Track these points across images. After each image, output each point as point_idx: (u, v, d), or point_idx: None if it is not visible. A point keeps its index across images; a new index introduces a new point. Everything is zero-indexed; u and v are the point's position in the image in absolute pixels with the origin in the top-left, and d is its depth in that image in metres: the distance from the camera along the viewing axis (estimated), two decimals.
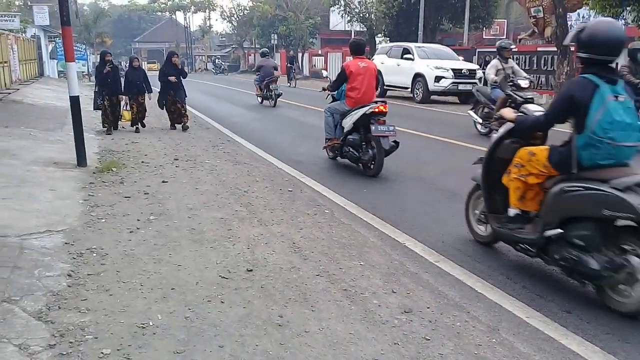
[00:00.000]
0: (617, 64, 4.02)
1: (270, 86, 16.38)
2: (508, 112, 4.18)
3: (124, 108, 10.72)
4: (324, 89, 7.48)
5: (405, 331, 3.13)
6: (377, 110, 6.97)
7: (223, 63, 52.47)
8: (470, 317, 3.33)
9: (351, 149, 7.30)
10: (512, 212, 4.04)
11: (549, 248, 3.71)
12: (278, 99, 16.52)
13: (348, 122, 7.22)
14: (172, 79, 10.91)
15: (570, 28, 20.03)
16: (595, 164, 3.47)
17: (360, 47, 7.59)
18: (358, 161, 7.25)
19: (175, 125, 11.35)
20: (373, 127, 6.90)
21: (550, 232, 3.64)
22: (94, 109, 10.86)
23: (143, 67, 11.59)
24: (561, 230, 3.58)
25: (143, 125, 11.09)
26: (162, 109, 11.45)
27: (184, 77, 11.37)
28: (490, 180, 4.32)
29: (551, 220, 3.66)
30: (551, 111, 3.74)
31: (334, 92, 7.63)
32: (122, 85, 10.68)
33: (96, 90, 10.62)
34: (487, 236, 4.56)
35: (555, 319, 3.34)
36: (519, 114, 4.23)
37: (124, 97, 10.64)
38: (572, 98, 3.48)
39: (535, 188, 3.90)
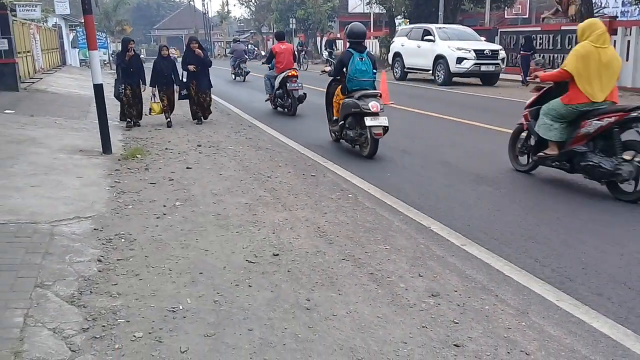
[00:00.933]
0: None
1: (241, 65, 21.15)
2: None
3: (153, 100, 9.85)
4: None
5: (433, 315, 3.13)
6: (290, 74, 11.17)
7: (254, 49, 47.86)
8: (498, 301, 3.31)
9: (279, 100, 11.74)
10: (334, 118, 8.15)
11: (344, 130, 7.68)
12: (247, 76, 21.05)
13: (276, 82, 11.58)
14: (192, 68, 9.89)
15: (595, 6, 19.59)
16: (352, 89, 7.37)
17: (281, 35, 12.30)
18: (282, 107, 11.81)
19: (199, 118, 10.29)
20: (288, 84, 11.19)
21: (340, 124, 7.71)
22: (115, 96, 9.79)
23: (173, 56, 10.51)
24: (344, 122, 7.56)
25: (170, 125, 9.90)
26: (181, 99, 10.31)
27: (209, 66, 10.31)
28: (329, 104, 8.46)
29: (342, 118, 7.54)
30: (334, 68, 7.91)
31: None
32: (150, 76, 9.78)
33: (117, 78, 9.81)
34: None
35: (585, 302, 3.30)
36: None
37: (152, 88, 9.87)
38: (342, 60, 7.52)
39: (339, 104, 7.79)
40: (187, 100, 10.30)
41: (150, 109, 9.85)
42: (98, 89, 7.19)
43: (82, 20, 8.71)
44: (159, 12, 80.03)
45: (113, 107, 8.08)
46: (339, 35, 29.47)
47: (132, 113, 9.73)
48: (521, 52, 17.17)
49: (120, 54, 9.73)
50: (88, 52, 8.32)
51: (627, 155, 5.14)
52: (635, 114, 5.05)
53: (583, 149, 5.38)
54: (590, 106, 5.33)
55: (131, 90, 9.56)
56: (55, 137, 8.21)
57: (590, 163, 5.27)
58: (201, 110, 10.26)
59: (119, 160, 6.91)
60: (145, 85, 9.77)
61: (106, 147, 7.26)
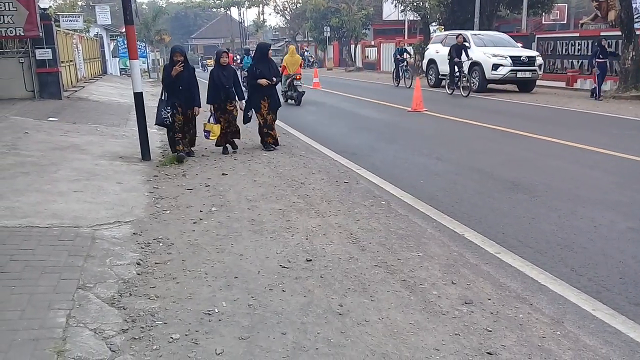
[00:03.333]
0: None
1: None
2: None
3: (210, 121, 7.84)
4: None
5: (466, 322, 3.12)
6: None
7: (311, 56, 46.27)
8: (533, 309, 3.28)
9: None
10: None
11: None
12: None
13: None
14: (263, 82, 8.01)
15: (636, 11, 19.10)
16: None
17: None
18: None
19: (266, 143, 8.34)
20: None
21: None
22: (156, 124, 7.63)
23: (233, 65, 8.66)
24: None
25: (234, 147, 8.22)
26: (248, 122, 8.46)
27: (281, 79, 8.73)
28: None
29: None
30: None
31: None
32: (206, 91, 7.88)
33: (162, 98, 7.45)
34: None
35: (622, 312, 3.25)
36: None
37: (209, 106, 7.94)
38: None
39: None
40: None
41: (207, 132, 7.86)
42: (138, 97, 7.40)
43: (123, 30, 8.97)
44: (196, 22, 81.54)
45: (152, 115, 7.91)
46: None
47: (183, 142, 7.57)
48: (597, 59, 14.61)
49: (167, 67, 7.48)
50: (129, 61, 8.57)
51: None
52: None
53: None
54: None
55: (182, 114, 7.45)
56: (96, 143, 8.46)
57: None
58: (265, 133, 8.36)
59: (157, 166, 7.09)
60: (199, 107, 7.62)
61: (145, 154, 7.46)
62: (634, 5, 17.39)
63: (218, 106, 7.87)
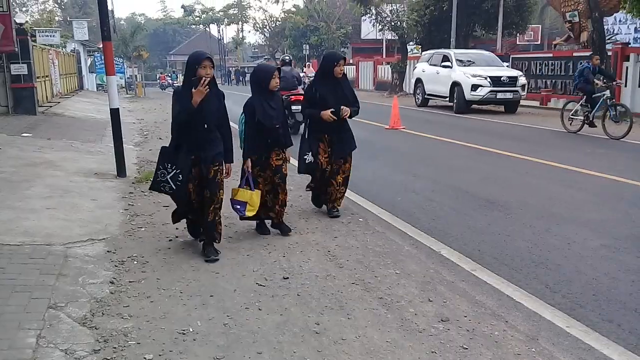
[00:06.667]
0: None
1: (292, 107, 11.14)
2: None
3: (242, 185, 4.75)
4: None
5: (443, 340, 3.13)
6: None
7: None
8: (508, 326, 3.30)
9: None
10: None
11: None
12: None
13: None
14: (327, 115, 5.24)
15: (607, 32, 19.66)
16: None
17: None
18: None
19: (325, 205, 5.71)
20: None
21: None
22: (151, 188, 4.50)
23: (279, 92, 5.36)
24: None
25: (285, 230, 4.99)
26: (305, 172, 5.58)
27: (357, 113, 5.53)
28: None
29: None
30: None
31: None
32: (242, 134, 4.86)
33: (168, 148, 4.39)
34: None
35: (596, 329, 3.28)
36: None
37: (246, 160, 4.75)
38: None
39: None
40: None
41: (241, 205, 4.68)
42: (114, 113, 7.33)
43: (100, 46, 8.86)
44: (174, 38, 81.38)
45: (128, 131, 7.58)
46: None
47: (186, 215, 4.65)
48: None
49: (182, 92, 4.24)
50: (106, 77, 8.51)
51: None
52: None
53: None
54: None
55: (197, 168, 4.32)
56: (71, 160, 8.35)
57: None
58: (332, 191, 5.53)
59: (133, 183, 7.00)
60: (232, 162, 4.53)
61: (121, 170, 7.37)
62: (605, 27, 17.89)
63: (257, 160, 4.82)
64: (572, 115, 12.26)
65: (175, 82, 42.14)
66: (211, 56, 4.31)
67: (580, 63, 13.56)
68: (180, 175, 4.21)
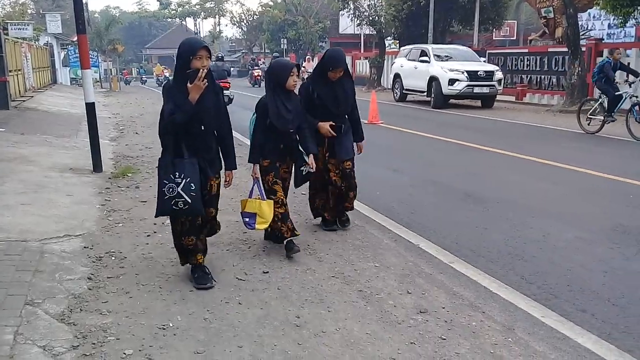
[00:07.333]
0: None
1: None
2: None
3: (252, 195, 4.28)
4: None
5: (422, 331, 3.17)
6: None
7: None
8: (485, 317, 3.36)
9: None
10: None
11: None
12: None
13: None
14: (324, 128, 4.63)
15: (581, 28, 19.96)
16: None
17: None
18: None
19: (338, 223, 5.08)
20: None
21: None
22: (159, 214, 3.72)
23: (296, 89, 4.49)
24: None
25: (290, 249, 4.28)
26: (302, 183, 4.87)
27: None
28: None
29: None
30: None
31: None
32: (253, 138, 4.35)
33: (165, 159, 3.65)
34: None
35: (570, 318, 3.36)
36: None
37: (255, 165, 4.28)
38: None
39: None
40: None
41: (251, 216, 4.17)
42: (90, 107, 7.23)
43: (74, 39, 8.70)
44: (150, 32, 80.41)
45: (104, 126, 7.46)
46: None
47: (196, 246, 3.77)
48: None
49: (174, 88, 3.61)
50: (81, 71, 8.38)
51: None
52: None
53: None
54: None
55: (205, 178, 3.71)
56: (45, 155, 8.21)
57: None
58: (339, 200, 4.98)
59: (110, 178, 6.92)
60: (234, 169, 3.94)
61: (97, 166, 7.28)
62: (579, 23, 18.17)
63: (270, 165, 4.34)
64: (590, 114, 11.20)
65: (143, 76, 41.29)
66: (207, 45, 3.67)
67: (604, 59, 11.71)
68: (193, 185, 3.52)
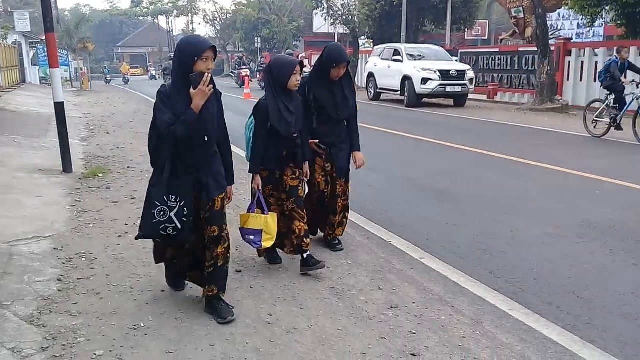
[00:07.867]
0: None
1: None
2: None
3: (252, 209, 3.87)
4: None
5: (392, 326, 3.22)
6: None
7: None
8: (454, 311, 3.42)
9: None
10: None
11: None
12: None
13: None
14: (312, 146, 4.22)
15: (551, 28, 20.36)
16: None
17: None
18: None
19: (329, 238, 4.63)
20: None
21: None
22: (143, 237, 3.28)
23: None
24: None
25: (310, 263, 3.92)
26: None
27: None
28: None
29: None
30: None
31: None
32: (252, 143, 3.94)
33: (162, 175, 3.12)
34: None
35: (536, 311, 3.45)
36: None
37: (256, 175, 3.93)
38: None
39: None
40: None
41: (255, 233, 3.82)
42: (59, 106, 7.12)
43: (43, 38, 8.55)
44: (122, 30, 79.20)
45: (74, 126, 7.27)
46: None
47: (182, 263, 3.51)
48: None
49: (175, 93, 3.10)
50: (49, 70, 8.24)
51: None
52: None
53: None
54: None
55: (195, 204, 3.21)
56: (14, 155, 8.06)
57: None
58: (321, 210, 4.50)
59: (80, 179, 6.83)
60: (232, 184, 3.53)
61: (66, 166, 7.17)
62: (549, 23, 18.51)
63: (269, 176, 3.98)
64: (596, 117, 10.55)
65: (108, 76, 40.29)
66: (214, 45, 3.20)
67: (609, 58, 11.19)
68: (186, 209, 3.10)
